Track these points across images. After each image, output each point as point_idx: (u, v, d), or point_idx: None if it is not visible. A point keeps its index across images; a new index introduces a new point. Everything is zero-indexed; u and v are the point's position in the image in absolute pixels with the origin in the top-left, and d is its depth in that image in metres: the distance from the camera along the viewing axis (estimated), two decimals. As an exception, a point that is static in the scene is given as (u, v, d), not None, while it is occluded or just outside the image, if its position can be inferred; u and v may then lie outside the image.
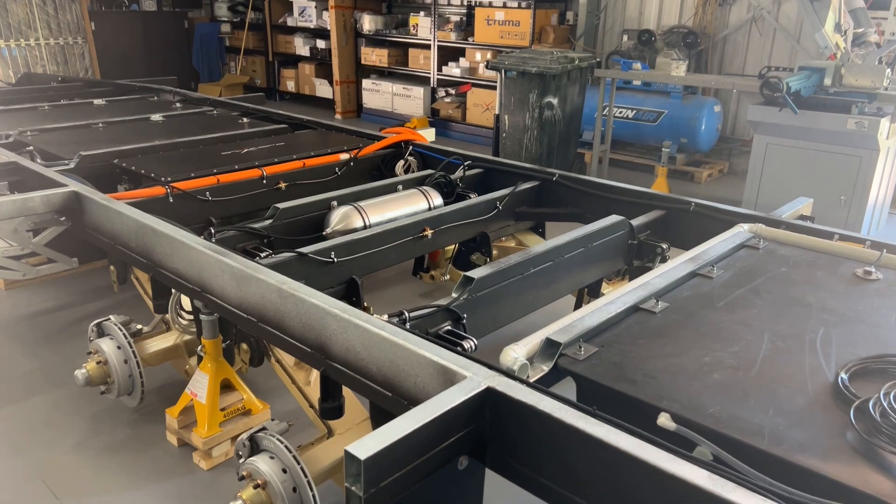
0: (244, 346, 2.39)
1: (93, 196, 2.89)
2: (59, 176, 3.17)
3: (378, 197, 3.18)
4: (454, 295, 2.16)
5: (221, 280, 2.26)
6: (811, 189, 4.95)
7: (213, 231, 2.60)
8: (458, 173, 3.69)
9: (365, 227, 2.93)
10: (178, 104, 5.50)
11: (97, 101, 5.48)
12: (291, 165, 3.71)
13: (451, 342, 2.00)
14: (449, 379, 1.60)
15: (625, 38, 8.17)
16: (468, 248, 3.34)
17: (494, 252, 3.35)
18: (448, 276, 3.78)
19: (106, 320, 2.69)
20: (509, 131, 6.57)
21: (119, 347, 2.59)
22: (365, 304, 2.71)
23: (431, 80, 9.70)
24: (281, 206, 2.87)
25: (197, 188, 3.29)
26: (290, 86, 11.73)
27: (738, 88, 5.45)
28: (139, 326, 2.82)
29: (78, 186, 3.01)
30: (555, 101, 6.34)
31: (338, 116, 10.63)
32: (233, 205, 3.46)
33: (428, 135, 4.62)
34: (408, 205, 3.16)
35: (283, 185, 3.63)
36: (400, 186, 3.39)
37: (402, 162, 4.13)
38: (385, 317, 1.90)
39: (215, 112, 5.20)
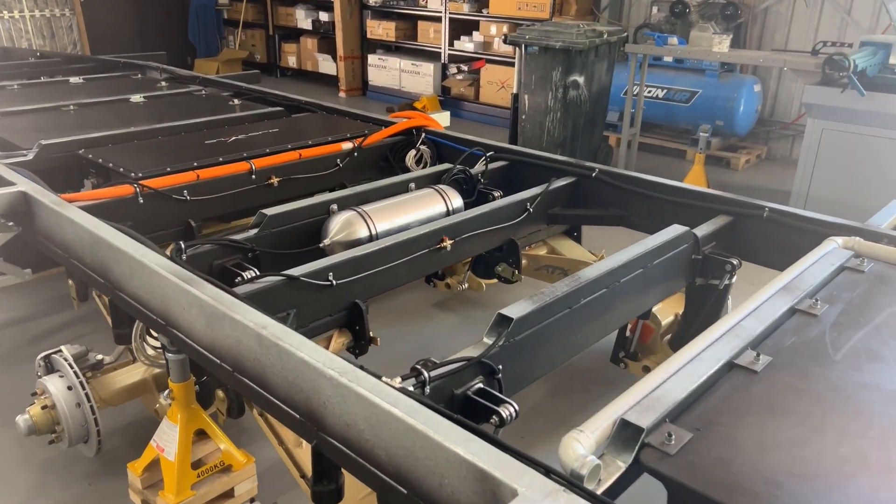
0: (220, 393, 1.94)
1: (42, 198, 2.42)
2: (9, 171, 2.70)
3: (386, 199, 2.70)
4: (486, 340, 1.69)
5: (189, 315, 1.80)
6: (874, 182, 4.44)
7: (183, 246, 2.14)
8: (479, 167, 3.21)
9: (371, 238, 2.46)
10: (163, 83, 5.01)
11: (73, 80, 4.99)
12: (285, 157, 3.23)
13: (484, 409, 1.54)
14: (490, 489, 1.14)
15: (654, 9, 7.58)
16: (491, 256, 2.87)
17: (524, 262, 2.87)
18: (466, 285, 3.31)
19: (56, 352, 2.24)
20: (529, 113, 6.06)
21: (70, 388, 2.14)
22: (371, 333, 2.25)
23: (442, 55, 9.15)
24: (269, 211, 2.40)
25: (173, 186, 2.82)
26: (292, 61, 11.19)
27: (791, 66, 4.92)
28: (99, 357, 2.37)
29: (27, 185, 2.54)
30: (581, 79, 5.80)
31: (342, 94, 10.11)
32: (215, 205, 2.99)
33: (442, 119, 4.15)
34: (421, 208, 2.68)
35: (275, 180, 3.15)
36: (412, 185, 2.91)
37: (413, 152, 3.64)
38: (398, 381, 1.44)
39: (204, 92, 4.71)
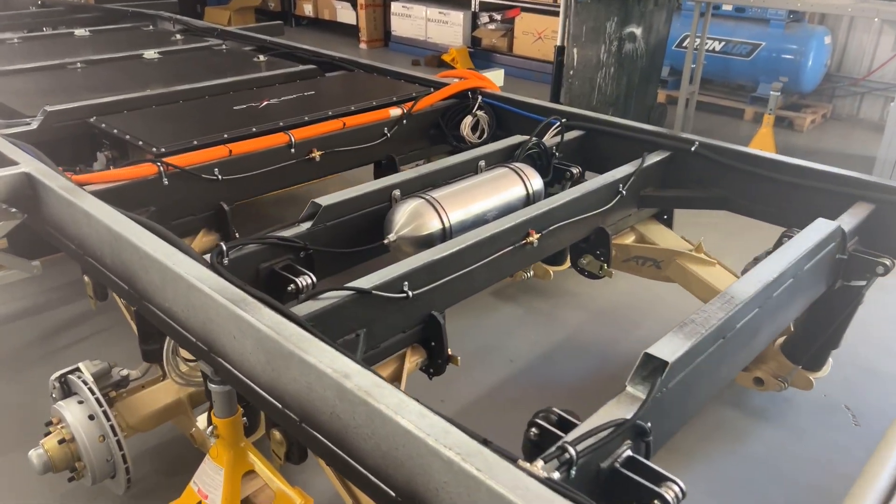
0: (277, 434, 1.60)
1: (51, 183, 2.05)
2: (10, 146, 2.32)
3: (456, 182, 2.29)
4: (632, 389, 1.31)
5: (242, 346, 1.44)
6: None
7: (225, 248, 1.76)
8: (552, 137, 2.78)
9: (444, 231, 2.07)
10: (178, 35, 4.57)
11: (79, 32, 4.56)
12: (328, 126, 2.83)
13: (640, 489, 1.18)
14: None
15: (711, -49, 6.95)
16: (574, 245, 2.47)
17: (613, 253, 2.48)
18: (531, 273, 2.94)
19: (73, 371, 1.89)
20: (578, 68, 5.56)
21: (92, 417, 1.81)
22: (449, 351, 1.89)
23: (472, 2, 8.57)
24: (323, 201, 2.01)
25: (202, 164, 2.43)
26: (308, 9, 10.62)
27: (886, 17, 4.39)
28: (124, 373, 2.02)
29: (32, 165, 2.16)
30: (638, 31, 5.29)
31: (363, 46, 9.57)
32: (250, 185, 2.60)
33: (496, 79, 3.69)
34: (498, 192, 2.28)
35: (316, 153, 2.76)
36: (482, 163, 2.50)
37: (469, 118, 3.21)
38: (540, 465, 1.07)
39: (224, 47, 4.27)
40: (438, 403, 2.58)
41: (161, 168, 2.32)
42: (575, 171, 2.69)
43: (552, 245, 2.22)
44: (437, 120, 3.27)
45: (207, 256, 1.76)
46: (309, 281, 1.84)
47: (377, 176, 3.19)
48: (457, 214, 2.11)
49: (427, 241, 2.04)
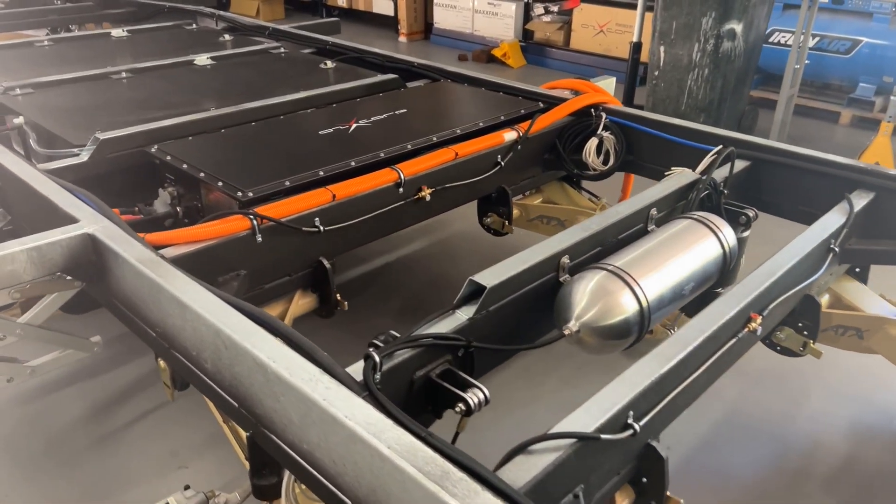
0: None
1: (124, 251, 1.59)
2: (65, 195, 1.87)
3: (637, 244, 1.81)
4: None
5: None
6: None
7: (378, 360, 1.29)
8: (719, 170, 2.29)
9: (642, 315, 1.59)
10: (226, 36, 4.10)
11: (116, 33, 4.10)
12: (438, 157, 2.35)
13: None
14: None
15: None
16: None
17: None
18: (675, 329, 2.45)
19: (162, 511, 1.44)
20: (665, 69, 5.05)
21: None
22: (668, 492, 1.41)
23: (525, -8, 8.06)
24: (485, 280, 1.51)
25: (300, 213, 1.97)
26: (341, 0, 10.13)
27: None
28: (224, 499, 1.57)
29: (96, 224, 1.71)
30: (738, 27, 4.77)
31: (402, 39, 9.08)
32: (354, 234, 2.14)
33: (608, 87, 3.19)
34: (689, 253, 1.80)
35: (426, 191, 2.29)
36: (653, 211, 2.01)
37: (593, 141, 2.73)
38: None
39: (282, 50, 3.80)
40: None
41: (255, 222, 1.86)
42: (750, 213, 2.20)
43: (767, 326, 1.74)
44: (552, 142, 2.79)
45: (357, 369, 1.29)
46: (482, 396, 1.37)
47: (483, 212, 2.74)
48: (652, 289, 1.63)
49: (621, 330, 1.57)
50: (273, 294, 2.02)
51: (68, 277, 1.77)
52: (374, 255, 3.64)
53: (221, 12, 4.74)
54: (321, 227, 2.00)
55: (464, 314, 1.50)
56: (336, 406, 1.11)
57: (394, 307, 3.17)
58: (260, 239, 1.88)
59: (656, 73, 5.13)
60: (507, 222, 2.66)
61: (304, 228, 1.96)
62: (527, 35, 8.07)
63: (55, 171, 2.22)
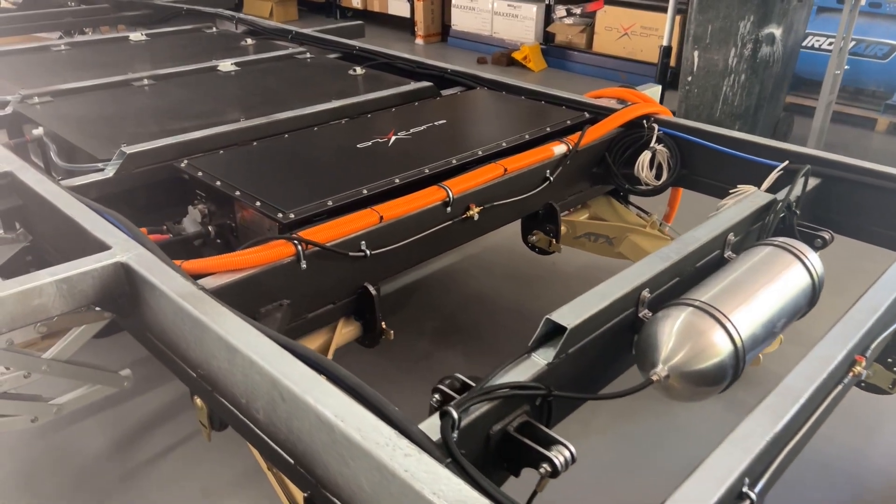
0: None
1: (163, 284, 1.45)
2: (95, 217, 1.73)
3: (720, 275, 1.65)
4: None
5: None
6: None
7: (456, 417, 1.14)
8: (791, 188, 2.14)
9: (737, 357, 1.44)
10: (248, 40, 3.97)
11: (134, 36, 3.97)
12: (486, 173, 2.21)
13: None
14: None
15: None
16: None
17: None
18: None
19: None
20: (699, 74, 4.90)
21: None
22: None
23: (546, -6, 7.92)
24: (564, 320, 1.35)
25: (347, 237, 1.82)
26: (355, 0, 10.00)
27: None
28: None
29: (130, 251, 1.57)
30: (778, 31, 4.62)
31: (419, 41, 8.94)
32: (400, 257, 2.00)
33: (654, 95, 3.04)
34: (777, 284, 1.65)
35: (475, 210, 2.15)
36: (731, 236, 1.86)
37: (647, 154, 2.58)
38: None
39: (307, 55, 3.66)
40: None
41: (299, 248, 1.71)
42: (826, 236, 2.06)
43: (868, 367, 1.59)
44: (601, 155, 2.65)
45: (430, 426, 1.15)
46: (568, 455, 1.22)
47: (528, 229, 2.59)
48: (745, 327, 1.48)
49: (716, 374, 1.42)
50: (316, 324, 1.87)
51: (97, 309, 1.63)
52: (403, 271, 3.49)
53: (241, 15, 4.61)
54: (368, 252, 1.86)
55: (542, 358, 1.35)
56: (420, 479, 0.97)
57: (430, 329, 3.01)
58: (304, 266, 1.74)
59: (689, 78, 4.98)
60: (554, 240, 2.52)
61: (350, 254, 1.82)
62: (547, 38, 7.92)
63: (78, 188, 2.09)
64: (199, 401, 1.71)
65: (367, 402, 1.14)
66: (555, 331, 1.39)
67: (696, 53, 4.89)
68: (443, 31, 9.04)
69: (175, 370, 1.56)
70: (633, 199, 2.87)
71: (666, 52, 5.64)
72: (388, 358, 2.70)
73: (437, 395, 1.30)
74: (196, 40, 4.05)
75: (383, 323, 1.96)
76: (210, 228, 2.13)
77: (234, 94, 2.95)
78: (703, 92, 4.93)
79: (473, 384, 1.27)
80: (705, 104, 4.93)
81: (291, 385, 1.15)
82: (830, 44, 5.63)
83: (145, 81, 3.05)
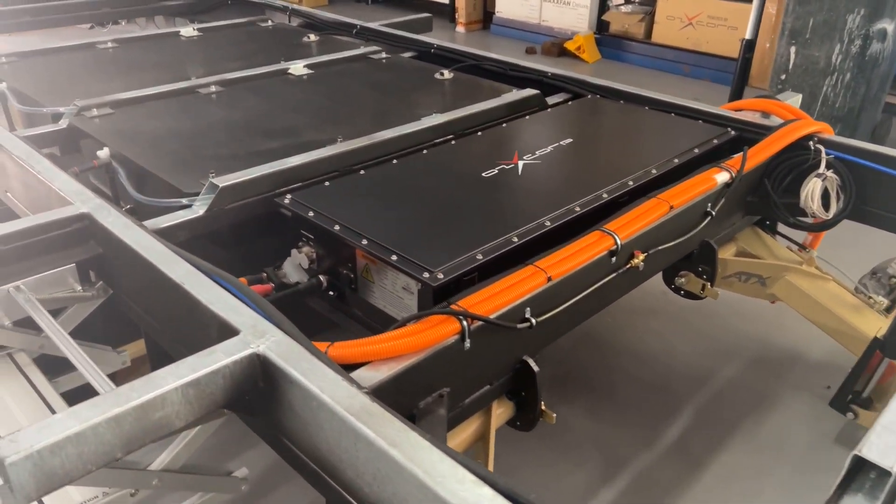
0: None
1: (322, 394, 1.12)
2: (198, 277, 1.40)
3: None
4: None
5: None
6: None
7: None
8: None
9: None
10: (311, 36, 3.62)
11: (185, 31, 3.63)
12: (650, 213, 1.86)
13: None
14: None
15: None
16: None
17: None
18: None
19: None
20: (795, 72, 4.52)
21: None
22: None
23: (602, -20, 7.51)
24: (884, 455, 1.04)
25: (510, 305, 1.48)
26: (389, -15, 9.61)
27: None
28: None
29: (261, 337, 1.24)
30: (890, 27, 4.23)
31: (460, 29, 8.56)
32: (561, 322, 1.66)
33: (795, 103, 2.69)
34: None
35: (640, 258, 1.80)
36: None
37: (817, 182, 2.23)
38: None
39: (383, 55, 3.31)
40: None
41: (464, 324, 1.38)
42: None
43: None
44: (757, 182, 2.30)
45: None
46: None
47: (674, 270, 2.25)
48: None
49: None
50: (471, 410, 1.55)
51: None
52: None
53: (295, 6, 4.26)
54: (534, 321, 1.53)
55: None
56: None
57: (576, 398, 2.61)
58: (468, 345, 1.40)
59: (783, 76, 4.60)
60: (709, 284, 2.18)
61: (518, 325, 1.49)
62: (601, 27, 7.52)
63: (165, 231, 1.76)
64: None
65: None
66: (857, 467, 1.05)
67: (792, 49, 4.50)
68: (485, 17, 8.64)
69: (324, 489, 1.23)
70: (780, 228, 2.52)
71: (749, 45, 5.23)
72: (542, 438, 2.34)
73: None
74: (253, 36, 3.70)
75: (542, 403, 1.63)
76: (322, 279, 1.80)
77: (316, 105, 2.61)
78: (799, 92, 4.54)
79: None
80: (802, 105, 4.55)
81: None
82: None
83: (212, 88, 2.72)
